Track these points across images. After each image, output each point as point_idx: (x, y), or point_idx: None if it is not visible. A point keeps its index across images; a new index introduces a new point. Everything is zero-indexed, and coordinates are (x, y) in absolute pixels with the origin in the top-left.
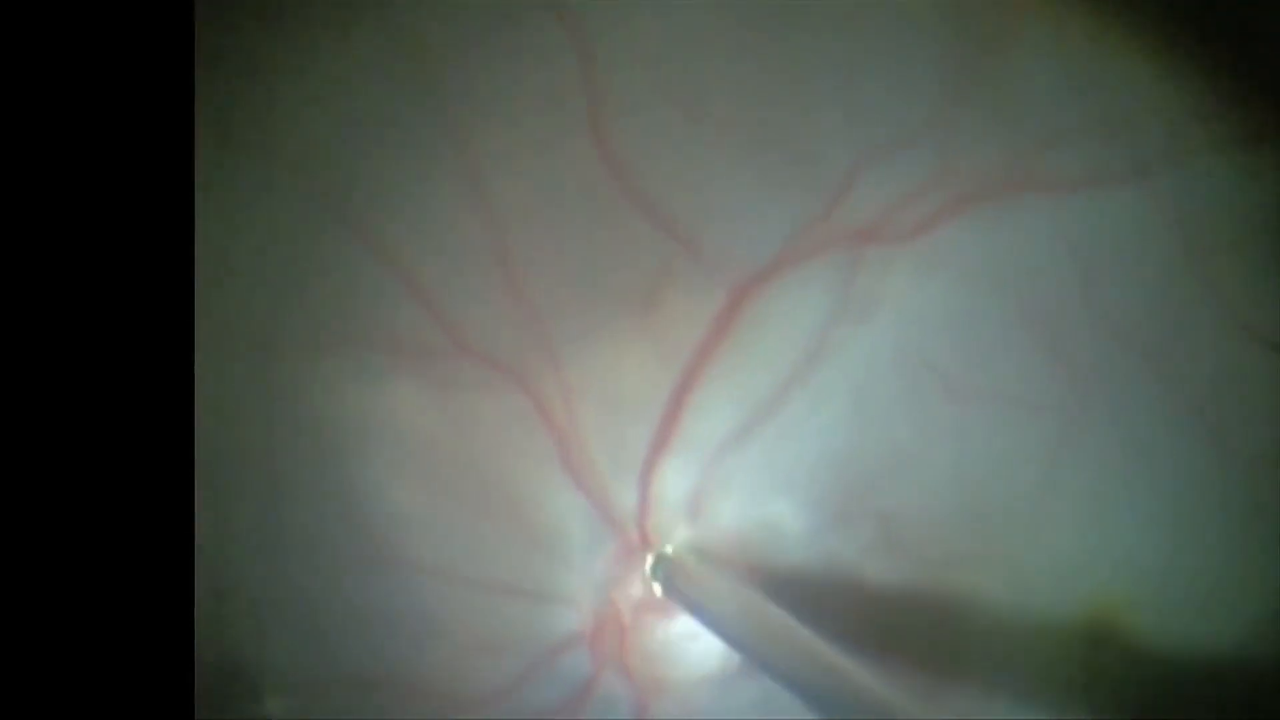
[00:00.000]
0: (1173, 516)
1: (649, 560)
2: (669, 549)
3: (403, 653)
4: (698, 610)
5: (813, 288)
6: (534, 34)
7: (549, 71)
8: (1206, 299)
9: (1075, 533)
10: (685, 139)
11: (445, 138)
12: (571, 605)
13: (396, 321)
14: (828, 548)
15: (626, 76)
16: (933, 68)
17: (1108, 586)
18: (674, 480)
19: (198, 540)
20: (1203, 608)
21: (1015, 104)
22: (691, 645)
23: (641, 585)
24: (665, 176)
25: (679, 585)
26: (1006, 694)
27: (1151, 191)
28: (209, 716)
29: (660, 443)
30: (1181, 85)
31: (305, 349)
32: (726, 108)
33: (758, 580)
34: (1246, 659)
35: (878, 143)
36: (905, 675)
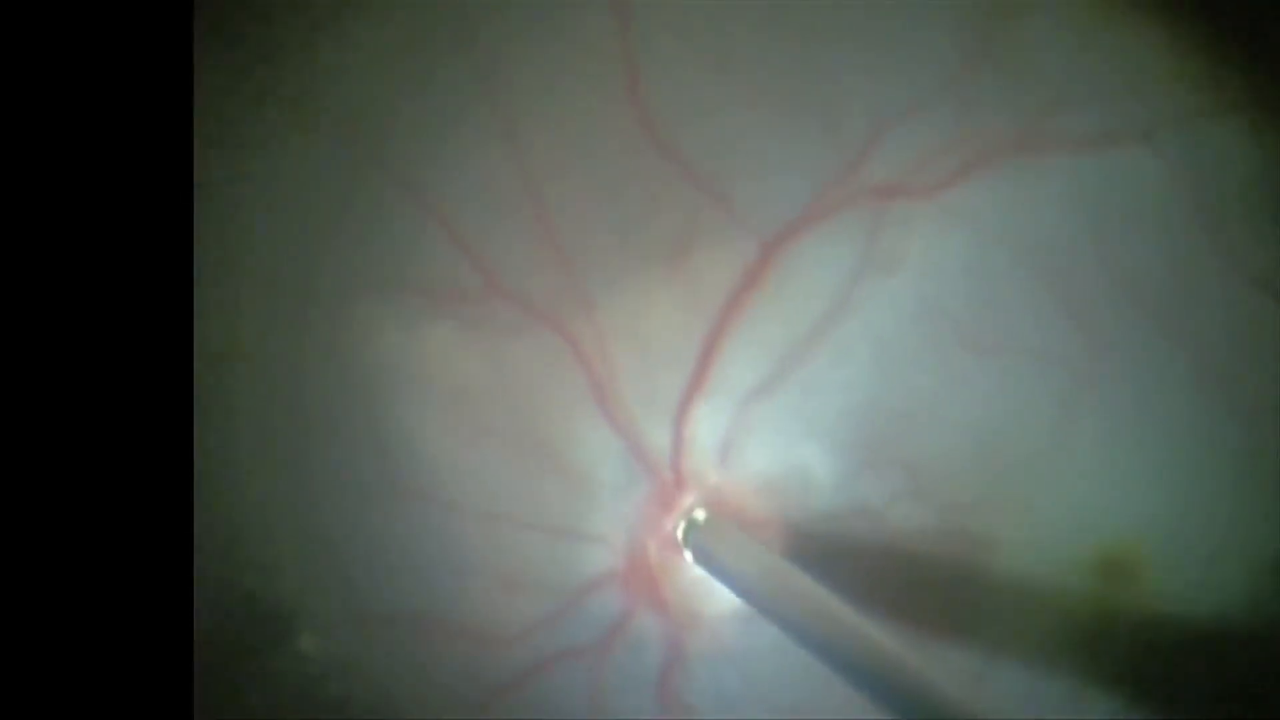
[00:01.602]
0: (1183, 465)
1: (680, 526)
2: (700, 514)
3: (437, 590)
4: (728, 578)
5: (838, 242)
6: None
7: (585, 29)
8: (1216, 254)
9: (1088, 480)
10: (716, 96)
11: (482, 91)
12: (605, 544)
13: (433, 265)
14: (854, 493)
15: (661, 35)
16: (950, 33)
17: (1120, 531)
18: (706, 424)
19: (236, 481)
20: (1211, 553)
21: (1029, 67)
22: None
23: (674, 526)
24: (696, 132)
25: (710, 552)
26: (1024, 632)
27: (1162, 151)
28: (243, 651)
29: (694, 387)
30: (1191, 49)
31: (343, 292)
32: (755, 68)
33: (786, 524)
34: (1253, 603)
35: (898, 104)
36: (927, 615)
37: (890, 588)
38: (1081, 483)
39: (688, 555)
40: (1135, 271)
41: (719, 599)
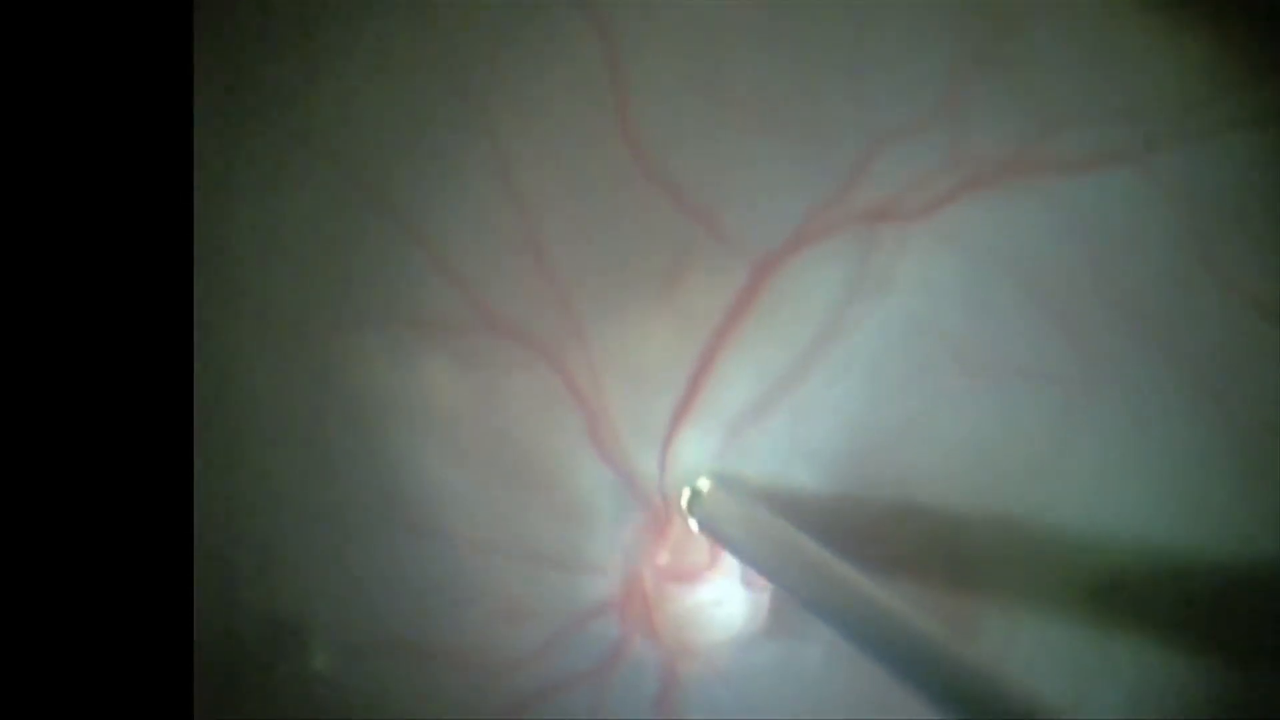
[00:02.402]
0: (1178, 485)
1: (684, 495)
2: (704, 483)
3: (437, 619)
4: (734, 544)
5: (830, 265)
6: (560, 25)
7: (575, 60)
8: (1212, 275)
9: (1083, 500)
10: (707, 124)
11: (476, 125)
12: (600, 573)
13: (428, 300)
14: (845, 515)
15: (650, 64)
16: (943, 53)
17: (1115, 551)
18: (696, 450)
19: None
20: (1208, 571)
21: (1024, 88)
22: (717, 610)
23: (667, 555)
24: (687, 160)
25: (715, 520)
26: (1019, 653)
27: (1158, 171)
28: (242, 680)
29: (682, 414)
30: (1190, 66)
31: (340, 326)
32: (746, 93)
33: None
34: (1251, 620)
35: (890, 126)
36: None
37: None
38: (1076, 502)
39: (693, 524)
40: (1130, 291)
41: (712, 627)
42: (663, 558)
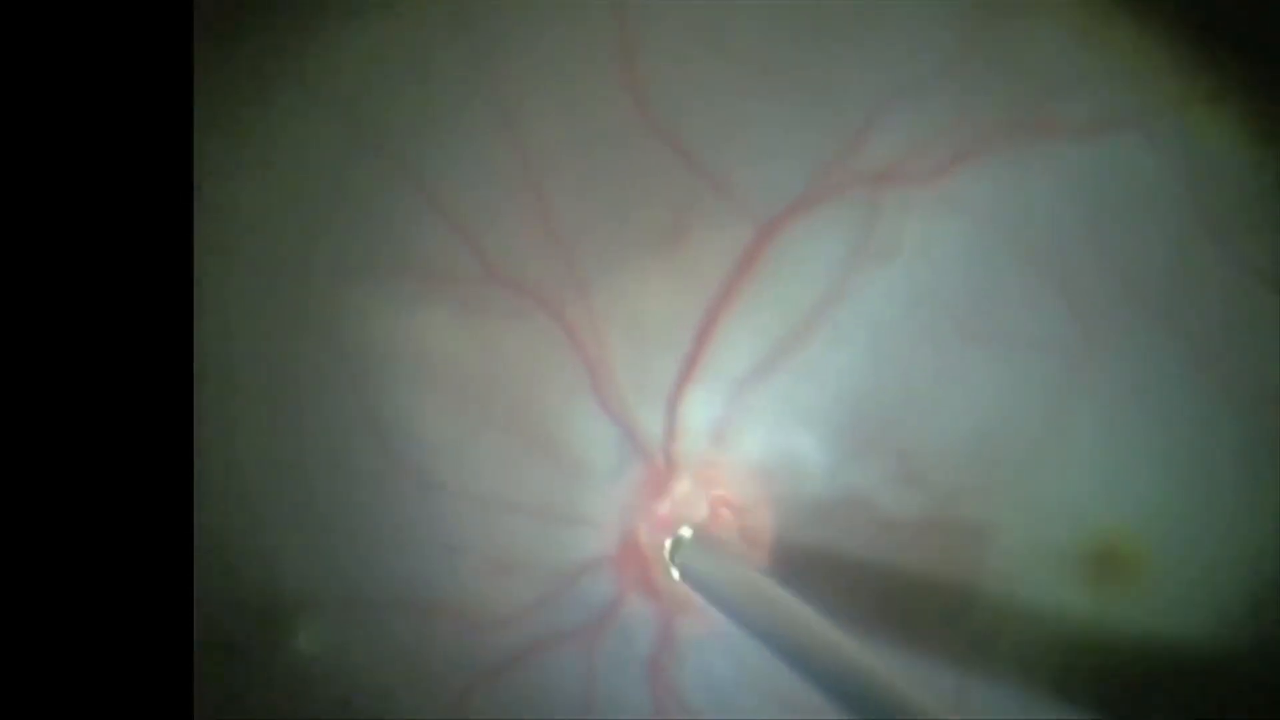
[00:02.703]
0: (1177, 454)
1: (667, 545)
2: (687, 532)
3: (432, 573)
4: (715, 597)
5: (834, 227)
6: None
7: (583, 14)
8: (1213, 242)
9: (1083, 468)
10: (713, 80)
11: (482, 77)
12: (597, 528)
13: (431, 250)
14: (846, 480)
15: (658, 21)
16: (947, 19)
17: (1115, 520)
18: (699, 409)
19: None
20: (1209, 542)
21: (1028, 53)
22: None
23: (668, 508)
24: (694, 117)
25: (697, 571)
26: (1016, 620)
27: (1159, 138)
28: (241, 638)
29: (687, 372)
30: (1190, 35)
31: (342, 275)
32: (752, 51)
33: (778, 508)
34: (1252, 593)
35: (894, 88)
36: (919, 600)
37: (880, 576)
38: (1078, 471)
39: (674, 573)
40: (1132, 259)
41: None
42: (663, 512)
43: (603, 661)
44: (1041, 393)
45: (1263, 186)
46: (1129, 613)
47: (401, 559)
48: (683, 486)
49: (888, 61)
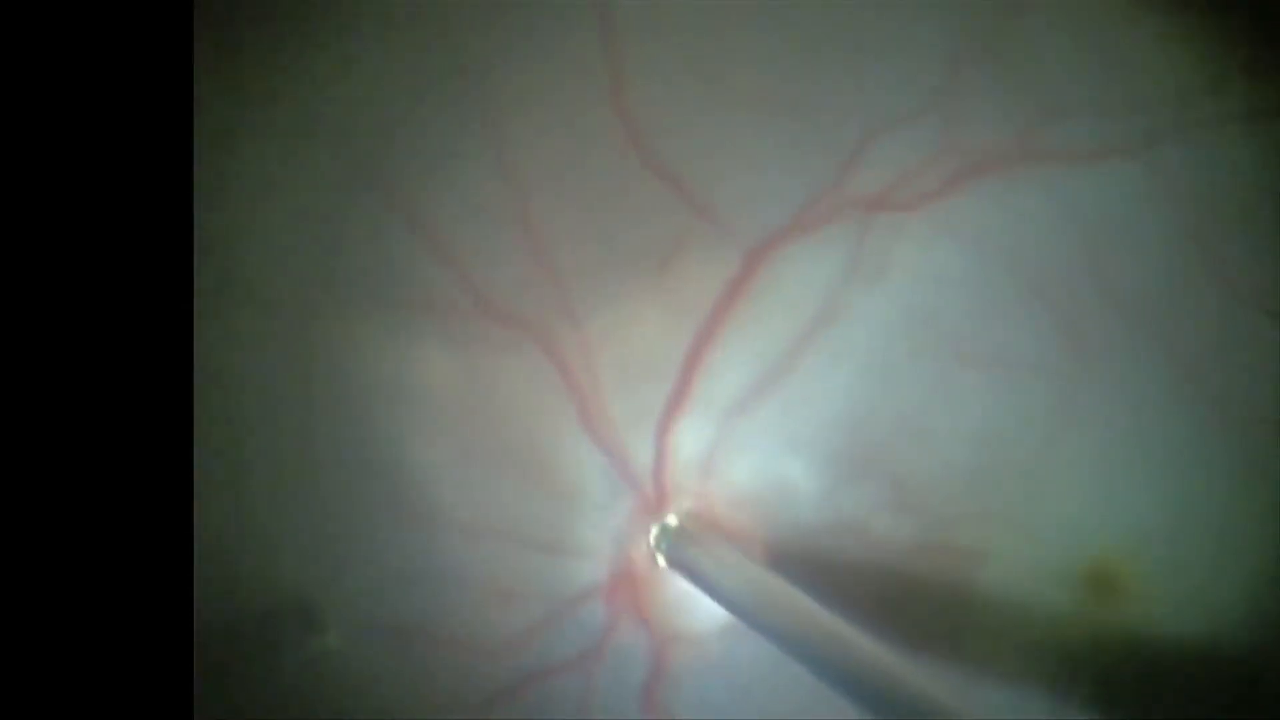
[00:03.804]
0: (1173, 479)
1: (653, 531)
2: (673, 520)
3: (425, 603)
4: (702, 581)
5: (825, 253)
6: (558, 5)
7: (572, 42)
8: (1209, 269)
9: (1078, 493)
10: (703, 108)
11: (472, 108)
12: (589, 558)
13: (423, 284)
14: (839, 506)
15: (646, 47)
16: (940, 43)
17: (1110, 544)
18: (689, 438)
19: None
20: (1204, 567)
21: (1023, 77)
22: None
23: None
24: (683, 145)
25: (684, 556)
26: (1012, 645)
27: (1157, 164)
28: (239, 659)
29: (676, 401)
30: (1191, 58)
31: (334, 309)
32: (743, 78)
33: (770, 537)
34: (1248, 617)
35: (887, 113)
36: (914, 627)
37: (874, 603)
38: (1071, 496)
39: (660, 560)
40: (1127, 285)
41: (703, 612)
42: (654, 536)
43: (596, 692)
44: (1035, 417)
45: (1259, 213)
46: (1125, 634)
47: (395, 589)
48: (673, 515)
49: (880, 85)
